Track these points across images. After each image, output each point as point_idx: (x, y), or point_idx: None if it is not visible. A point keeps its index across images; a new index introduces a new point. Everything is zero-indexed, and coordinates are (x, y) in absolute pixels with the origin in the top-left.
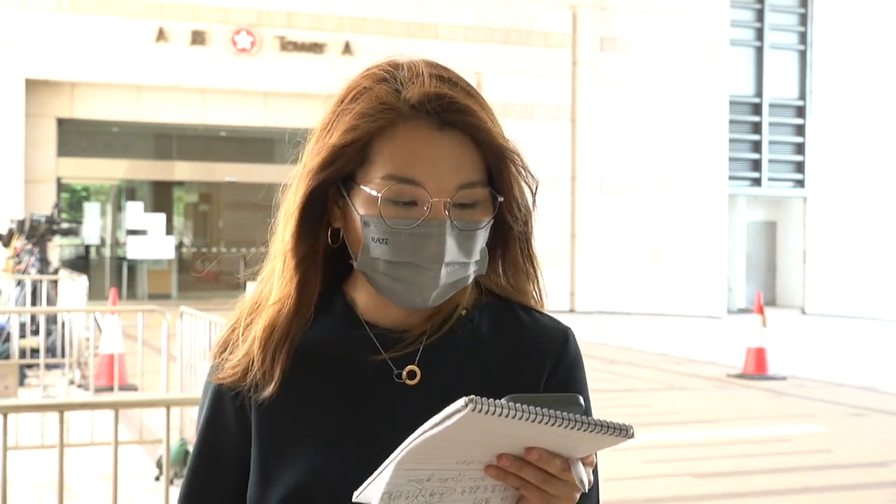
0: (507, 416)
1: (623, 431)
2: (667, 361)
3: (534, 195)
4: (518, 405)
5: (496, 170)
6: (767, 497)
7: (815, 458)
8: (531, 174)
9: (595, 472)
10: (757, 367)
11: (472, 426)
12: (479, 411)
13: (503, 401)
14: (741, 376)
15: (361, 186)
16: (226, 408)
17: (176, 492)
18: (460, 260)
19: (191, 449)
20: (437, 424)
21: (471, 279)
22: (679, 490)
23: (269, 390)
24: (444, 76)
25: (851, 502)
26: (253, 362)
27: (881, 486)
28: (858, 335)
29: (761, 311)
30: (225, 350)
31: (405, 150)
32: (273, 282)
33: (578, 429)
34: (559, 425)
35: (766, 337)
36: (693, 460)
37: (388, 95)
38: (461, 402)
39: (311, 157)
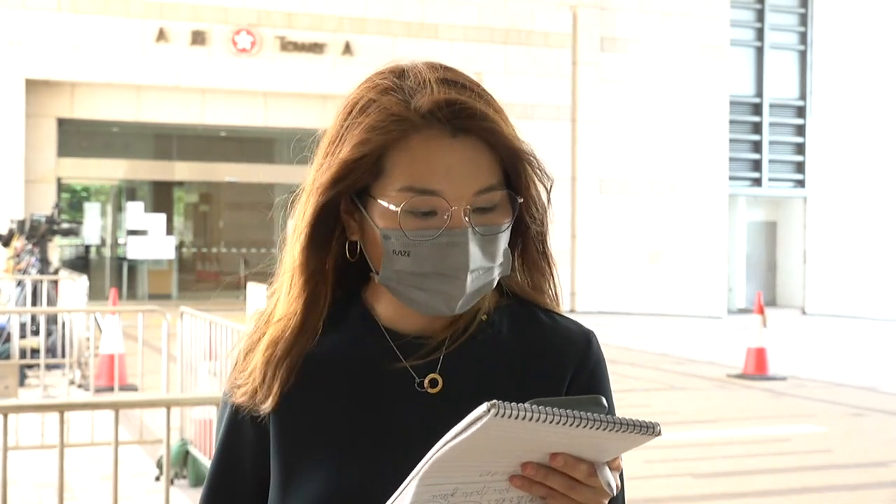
0: (530, 419)
1: (650, 429)
2: (667, 361)
3: (549, 193)
4: (541, 407)
5: (513, 171)
6: (767, 497)
7: (815, 458)
8: (547, 174)
9: (620, 476)
10: (757, 367)
11: (496, 432)
12: (502, 416)
13: (526, 404)
14: (741, 376)
15: (378, 200)
16: (243, 421)
17: (176, 492)
18: (485, 265)
19: (191, 449)
20: (460, 433)
21: (496, 282)
22: (679, 490)
23: (266, 405)
24: (452, 79)
25: (851, 502)
26: (257, 382)
27: (881, 486)
28: (858, 335)
29: (761, 311)
30: (238, 368)
31: (420, 160)
32: (281, 297)
33: (603, 429)
34: (584, 426)
35: (766, 337)
36: (693, 460)
37: (398, 106)
38: (483, 407)
39: (322, 171)
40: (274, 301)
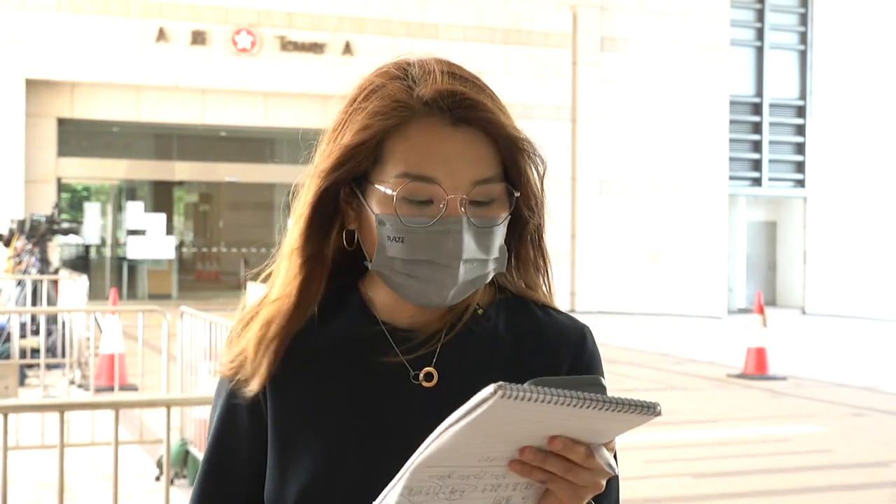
0: (536, 400)
1: (650, 409)
2: (667, 361)
3: (541, 179)
4: (546, 389)
5: (511, 163)
6: (767, 497)
7: (815, 458)
8: (541, 158)
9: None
10: (757, 367)
11: (501, 414)
12: (509, 397)
13: (530, 385)
14: (741, 376)
15: (376, 186)
16: (238, 408)
17: (176, 492)
18: (479, 257)
19: (191, 449)
20: (465, 415)
21: (490, 276)
22: (679, 490)
23: (253, 385)
24: (457, 73)
25: (851, 502)
26: (246, 359)
27: (881, 486)
28: (858, 335)
29: (761, 311)
30: (230, 346)
31: (419, 147)
32: (277, 279)
33: (606, 409)
34: (587, 407)
35: (766, 337)
36: (693, 460)
37: (401, 93)
38: (490, 388)
39: (323, 158)
40: (270, 283)
